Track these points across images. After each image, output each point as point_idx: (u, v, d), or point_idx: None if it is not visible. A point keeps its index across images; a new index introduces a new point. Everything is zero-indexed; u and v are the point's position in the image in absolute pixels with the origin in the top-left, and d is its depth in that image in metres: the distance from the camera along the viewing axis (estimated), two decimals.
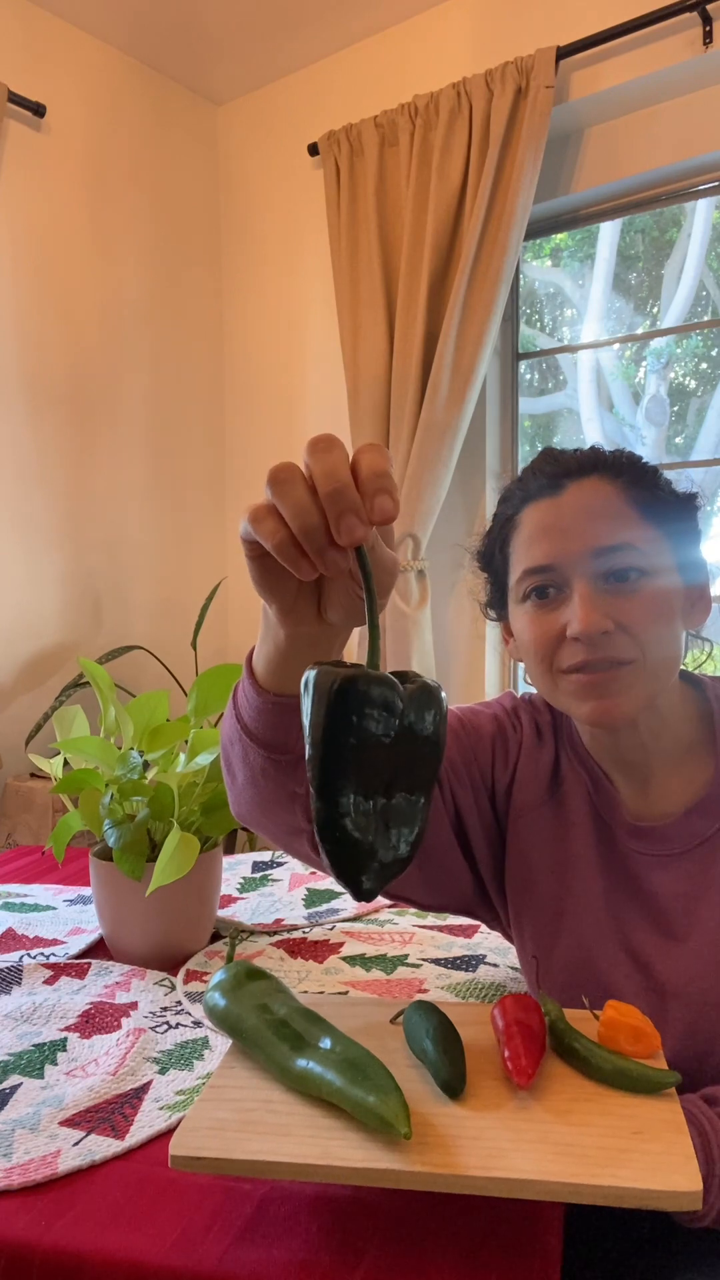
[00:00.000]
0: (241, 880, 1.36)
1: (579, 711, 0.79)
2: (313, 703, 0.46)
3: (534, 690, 0.86)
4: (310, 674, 0.47)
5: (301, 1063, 0.66)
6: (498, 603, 0.88)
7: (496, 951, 1.08)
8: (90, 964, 1.05)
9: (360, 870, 0.48)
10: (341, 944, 1.10)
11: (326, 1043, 0.67)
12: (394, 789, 0.48)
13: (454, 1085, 0.66)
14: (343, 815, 0.47)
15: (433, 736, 0.48)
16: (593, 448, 0.83)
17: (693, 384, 2.39)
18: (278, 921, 1.18)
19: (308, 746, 0.46)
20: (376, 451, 0.48)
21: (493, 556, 0.86)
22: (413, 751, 0.47)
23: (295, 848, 0.79)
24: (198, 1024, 0.91)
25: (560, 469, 0.80)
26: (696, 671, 0.89)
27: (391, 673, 0.48)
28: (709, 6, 1.99)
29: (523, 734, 0.91)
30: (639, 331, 2.46)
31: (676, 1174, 0.57)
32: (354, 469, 0.48)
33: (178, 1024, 0.91)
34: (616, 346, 2.49)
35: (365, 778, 0.47)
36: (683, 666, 0.85)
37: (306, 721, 0.46)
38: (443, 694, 0.48)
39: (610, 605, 0.76)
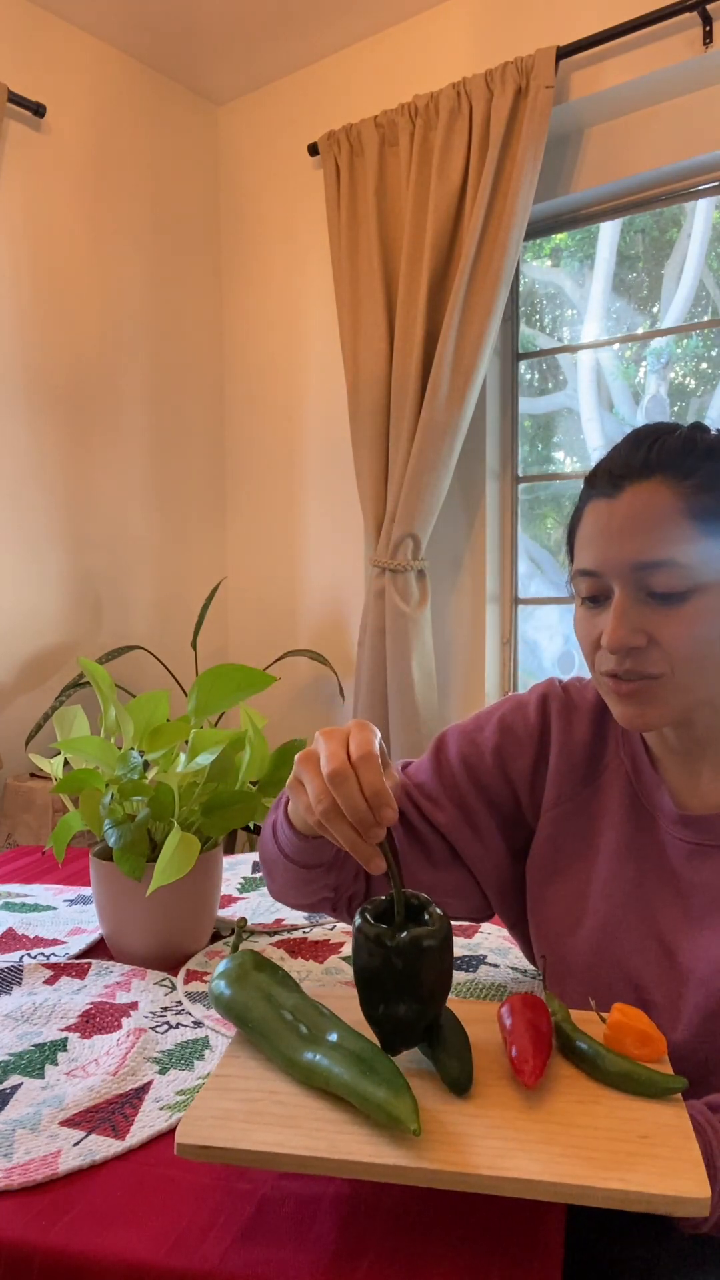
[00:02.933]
0: (242, 880, 1.35)
1: (614, 712, 0.81)
2: (359, 947, 0.68)
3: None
4: (356, 923, 0.69)
5: (309, 1055, 0.66)
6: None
7: (497, 952, 1.08)
8: (90, 964, 1.05)
9: (393, 1042, 0.68)
10: (342, 944, 1.10)
11: (334, 1036, 0.67)
12: (412, 995, 0.67)
13: (461, 1083, 0.66)
14: (379, 1014, 0.67)
15: (435, 960, 0.67)
16: (678, 434, 0.78)
17: (693, 384, 2.39)
18: (278, 921, 1.18)
19: (356, 973, 0.69)
20: (370, 768, 0.69)
21: (567, 538, 0.86)
22: (422, 967, 0.67)
23: (319, 910, 0.93)
24: (198, 1024, 0.91)
25: (626, 469, 0.77)
26: None
27: (410, 898, 0.71)
28: (709, 6, 1.99)
29: (549, 722, 0.91)
30: (639, 331, 2.46)
31: (683, 1179, 0.57)
32: (359, 783, 0.69)
33: (178, 1024, 0.91)
34: (616, 346, 2.49)
35: (394, 988, 0.67)
36: None
37: (355, 958, 0.69)
38: (449, 930, 0.69)
39: (645, 619, 0.75)
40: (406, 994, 0.66)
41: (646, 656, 0.76)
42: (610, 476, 0.78)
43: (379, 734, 0.73)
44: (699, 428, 0.80)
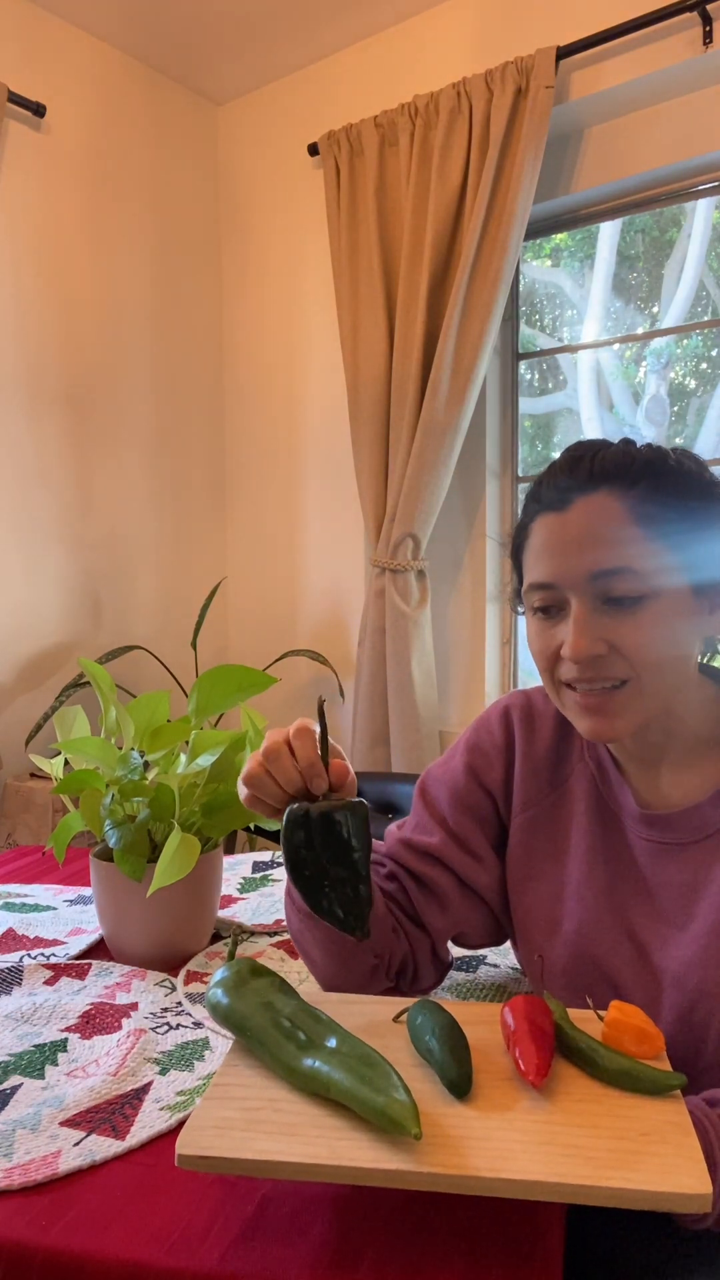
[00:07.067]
0: (242, 880, 1.36)
1: (578, 725, 0.82)
2: (283, 831, 0.76)
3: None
4: (285, 814, 0.76)
5: (309, 1061, 0.66)
6: (519, 597, 0.88)
7: (497, 952, 1.08)
8: (91, 964, 1.05)
9: (341, 921, 0.75)
10: None
11: (333, 1042, 0.67)
12: (338, 865, 0.75)
13: (461, 1085, 0.66)
14: (314, 893, 0.75)
15: (350, 839, 0.75)
16: (614, 449, 0.80)
17: (693, 384, 2.39)
18: (278, 922, 1.18)
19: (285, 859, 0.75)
20: (303, 742, 0.78)
21: (512, 555, 0.88)
22: (338, 847, 0.75)
23: (374, 985, 0.89)
24: (198, 1025, 0.91)
25: (572, 482, 0.79)
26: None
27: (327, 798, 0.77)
28: (709, 6, 1.99)
29: (514, 734, 0.93)
30: (639, 331, 2.46)
31: (685, 1176, 0.57)
32: (293, 755, 0.78)
33: (178, 1025, 0.91)
34: (616, 346, 2.49)
35: (317, 866, 0.75)
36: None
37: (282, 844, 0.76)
38: (363, 811, 0.76)
39: (605, 627, 0.77)
40: (338, 857, 0.75)
41: (608, 663, 0.77)
42: (557, 491, 0.80)
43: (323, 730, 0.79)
44: (630, 441, 0.82)
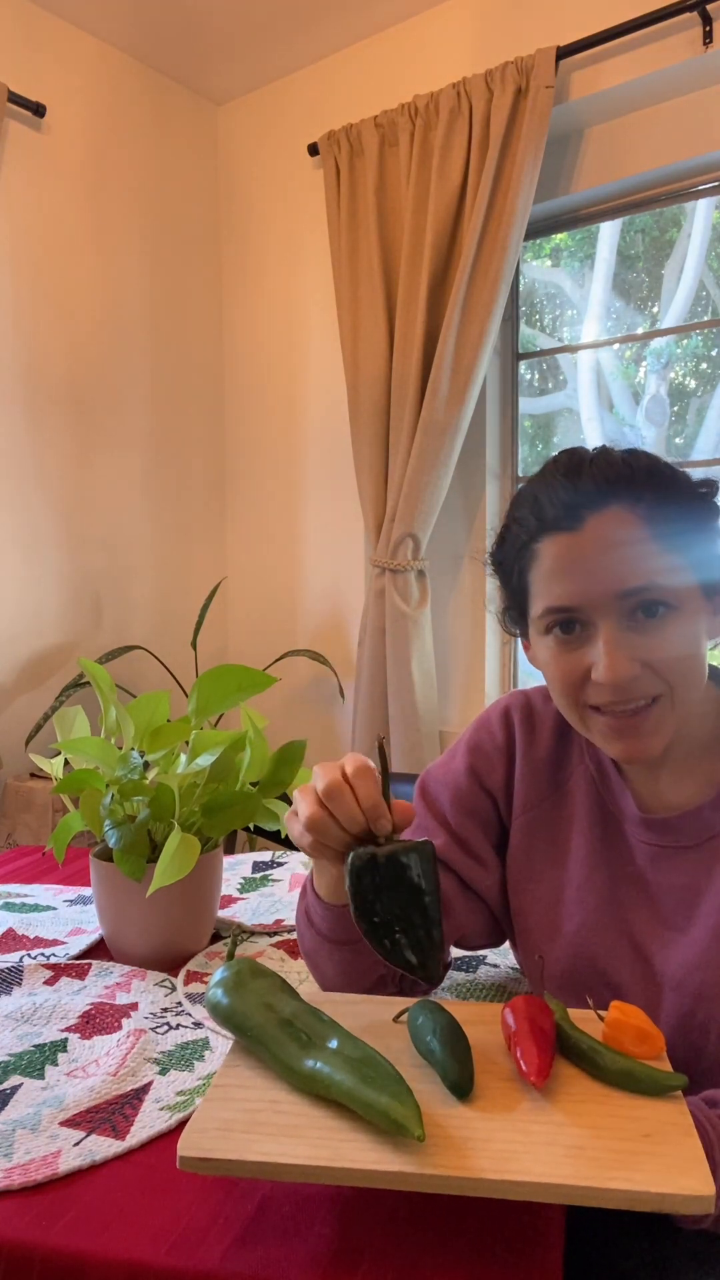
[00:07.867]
0: (242, 880, 1.35)
1: (609, 750, 0.80)
2: (349, 878, 0.72)
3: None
4: (348, 859, 0.72)
5: (310, 1063, 0.66)
6: (516, 618, 0.87)
7: (497, 952, 1.08)
8: (90, 964, 1.05)
9: (414, 966, 0.72)
10: None
11: (334, 1042, 0.67)
12: (409, 909, 0.72)
13: (463, 1086, 0.65)
14: (384, 939, 0.72)
15: (419, 882, 0.72)
16: (610, 459, 0.79)
17: (693, 384, 2.39)
18: (278, 922, 1.18)
19: (351, 905, 0.72)
20: (365, 782, 0.73)
21: (510, 576, 0.85)
22: (409, 891, 0.72)
23: (377, 992, 0.88)
24: (198, 1025, 0.91)
25: (578, 497, 0.77)
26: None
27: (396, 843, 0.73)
28: (709, 6, 1.99)
29: (515, 735, 0.92)
30: (639, 331, 2.46)
31: (688, 1177, 0.57)
32: (355, 797, 0.72)
33: (178, 1025, 0.91)
34: (616, 346, 2.49)
35: (388, 912, 0.71)
36: None
37: (348, 889, 0.72)
38: (430, 851, 0.73)
39: (636, 645, 0.75)
40: (407, 904, 0.71)
41: (642, 682, 0.76)
42: (562, 508, 0.77)
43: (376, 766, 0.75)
44: (608, 450, 0.80)
